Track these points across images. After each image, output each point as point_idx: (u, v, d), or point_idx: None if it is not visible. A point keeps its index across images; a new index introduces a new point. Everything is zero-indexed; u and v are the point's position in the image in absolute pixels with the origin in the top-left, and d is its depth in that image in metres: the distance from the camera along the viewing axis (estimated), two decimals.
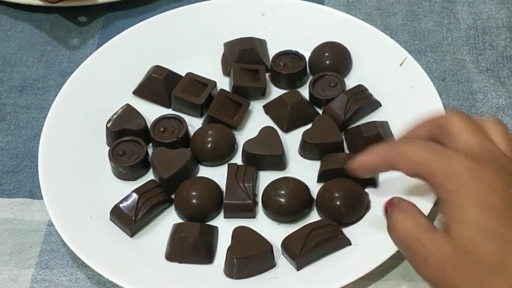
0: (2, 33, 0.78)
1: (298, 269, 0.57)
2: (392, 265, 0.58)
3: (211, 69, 0.71)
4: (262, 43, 0.72)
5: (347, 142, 0.65)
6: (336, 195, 0.59)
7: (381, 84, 0.68)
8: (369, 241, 0.58)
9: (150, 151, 0.65)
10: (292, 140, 0.65)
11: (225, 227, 0.60)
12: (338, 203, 0.59)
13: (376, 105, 0.67)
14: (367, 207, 0.60)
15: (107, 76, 0.70)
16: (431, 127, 0.51)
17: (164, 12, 0.74)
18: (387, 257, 0.56)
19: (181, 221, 0.61)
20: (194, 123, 0.67)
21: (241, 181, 0.61)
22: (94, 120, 0.67)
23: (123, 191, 0.62)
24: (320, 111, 0.67)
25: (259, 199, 0.62)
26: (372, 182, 0.61)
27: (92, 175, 0.64)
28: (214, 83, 0.68)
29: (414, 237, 0.47)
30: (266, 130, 0.65)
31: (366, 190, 0.61)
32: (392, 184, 0.59)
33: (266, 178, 0.63)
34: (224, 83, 0.69)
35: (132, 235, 0.61)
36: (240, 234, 0.59)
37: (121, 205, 0.61)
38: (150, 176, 0.64)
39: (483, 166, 0.46)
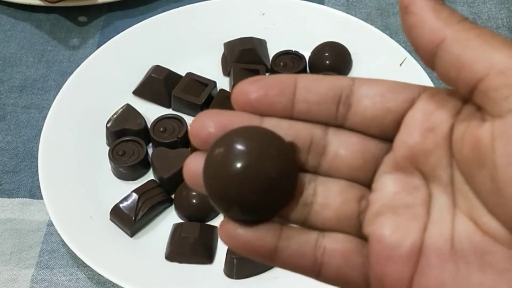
0: (2, 33, 0.78)
1: None
2: None
3: (211, 69, 0.71)
4: (262, 43, 0.72)
5: None
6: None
7: None
8: None
9: (150, 151, 0.65)
10: None
11: None
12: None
13: None
14: None
15: (107, 76, 0.70)
16: None
17: (164, 12, 0.74)
18: None
19: (181, 221, 0.61)
20: None
21: None
22: (94, 120, 0.67)
23: (123, 191, 0.62)
24: None
25: None
26: None
27: (92, 175, 0.64)
28: (214, 83, 0.68)
29: None
30: None
31: None
32: None
33: None
34: (224, 83, 0.69)
35: (132, 235, 0.61)
36: None
37: (121, 205, 0.61)
38: (150, 176, 0.64)
39: None
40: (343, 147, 0.30)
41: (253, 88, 0.30)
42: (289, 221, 0.30)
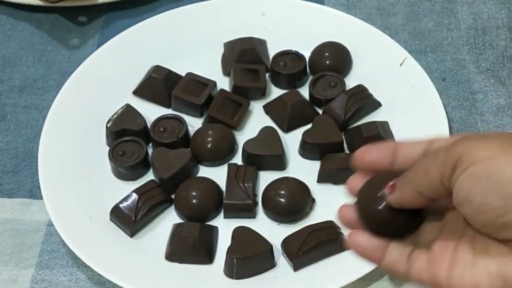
0: (2, 33, 0.78)
1: (295, 270, 0.57)
2: None
3: (211, 69, 0.71)
4: (262, 43, 0.72)
5: (347, 142, 0.65)
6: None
7: (381, 84, 0.68)
8: None
9: (150, 151, 0.65)
10: (292, 140, 0.65)
11: (225, 227, 0.60)
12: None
13: (376, 105, 0.67)
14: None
15: (107, 76, 0.70)
16: None
17: (164, 12, 0.74)
18: None
19: (181, 221, 0.61)
20: (194, 123, 0.67)
21: (241, 181, 0.61)
22: (94, 120, 0.67)
23: (123, 191, 0.62)
24: (320, 111, 0.67)
25: (259, 199, 0.62)
26: None
27: (92, 175, 0.64)
28: (214, 83, 0.68)
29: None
30: (266, 130, 0.65)
31: None
32: None
33: (266, 178, 0.63)
34: (224, 83, 0.69)
35: (132, 235, 0.61)
36: (240, 234, 0.59)
37: (121, 205, 0.61)
38: (150, 176, 0.64)
39: None
40: None
41: (371, 151, 0.42)
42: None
